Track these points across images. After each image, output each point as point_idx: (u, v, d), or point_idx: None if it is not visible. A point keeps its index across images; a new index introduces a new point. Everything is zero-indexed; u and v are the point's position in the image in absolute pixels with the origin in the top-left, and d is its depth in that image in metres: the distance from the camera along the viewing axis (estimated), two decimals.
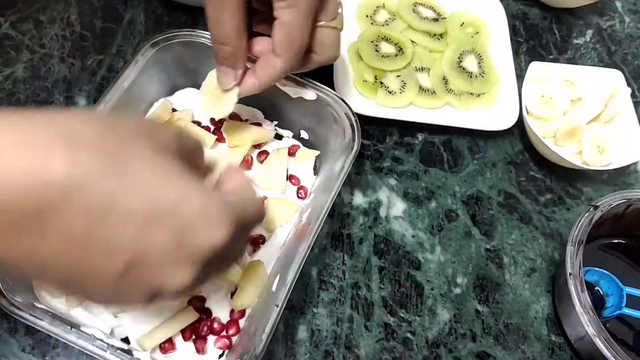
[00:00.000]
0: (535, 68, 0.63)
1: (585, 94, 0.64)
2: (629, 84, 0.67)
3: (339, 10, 0.44)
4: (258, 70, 0.45)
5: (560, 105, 0.61)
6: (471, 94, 0.63)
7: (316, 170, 0.54)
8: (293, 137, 0.56)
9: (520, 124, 0.62)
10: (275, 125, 0.56)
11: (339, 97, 0.51)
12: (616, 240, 0.58)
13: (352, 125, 0.50)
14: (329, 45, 0.46)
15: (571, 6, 0.75)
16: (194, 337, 0.45)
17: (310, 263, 0.52)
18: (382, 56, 0.63)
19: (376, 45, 0.63)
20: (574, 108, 0.63)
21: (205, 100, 0.49)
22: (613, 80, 0.64)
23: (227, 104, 0.47)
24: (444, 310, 0.52)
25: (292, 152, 0.54)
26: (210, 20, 0.42)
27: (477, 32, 0.68)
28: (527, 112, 0.61)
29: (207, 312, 0.46)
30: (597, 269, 0.53)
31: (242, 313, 0.46)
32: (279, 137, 0.56)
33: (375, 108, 0.60)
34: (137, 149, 0.28)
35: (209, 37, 0.51)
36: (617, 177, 0.64)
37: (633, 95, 0.65)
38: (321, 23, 0.44)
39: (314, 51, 0.45)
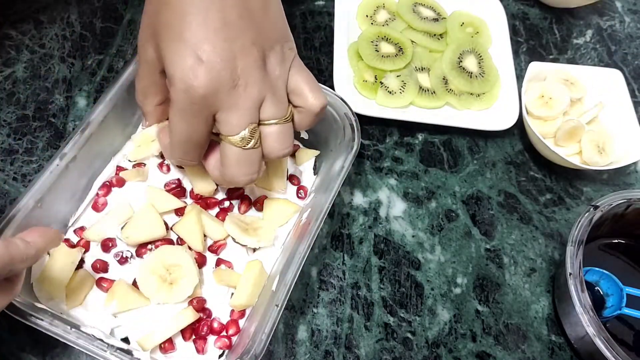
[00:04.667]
0: (535, 68, 0.63)
1: (585, 94, 0.64)
2: (628, 84, 0.67)
3: (244, 133, 0.39)
4: (164, 147, 0.46)
5: (560, 105, 0.61)
6: (471, 94, 0.63)
7: (316, 170, 0.54)
8: None
9: (520, 124, 0.62)
10: None
11: (339, 97, 0.51)
12: (616, 240, 0.58)
13: (352, 125, 0.50)
14: (227, 160, 0.41)
15: (571, 6, 0.75)
16: (194, 337, 0.44)
17: (310, 263, 0.52)
18: (382, 56, 0.63)
19: (376, 45, 0.64)
20: (574, 108, 0.63)
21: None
22: (613, 80, 0.64)
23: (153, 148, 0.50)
24: (444, 310, 0.52)
25: (292, 152, 0.54)
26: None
27: (477, 32, 0.68)
28: (527, 112, 0.61)
29: (207, 312, 0.46)
30: (597, 269, 0.53)
31: (242, 313, 0.46)
32: None
33: (375, 108, 0.60)
34: None
35: None
36: (617, 177, 0.64)
37: (633, 95, 0.65)
38: (218, 134, 0.40)
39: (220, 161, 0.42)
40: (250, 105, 0.39)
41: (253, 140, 0.40)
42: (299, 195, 0.52)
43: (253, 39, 0.39)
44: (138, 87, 0.45)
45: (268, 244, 0.48)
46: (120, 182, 0.49)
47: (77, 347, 0.38)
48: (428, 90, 0.63)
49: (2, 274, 0.33)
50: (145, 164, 0.50)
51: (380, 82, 0.62)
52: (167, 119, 0.49)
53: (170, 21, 0.38)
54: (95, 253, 0.46)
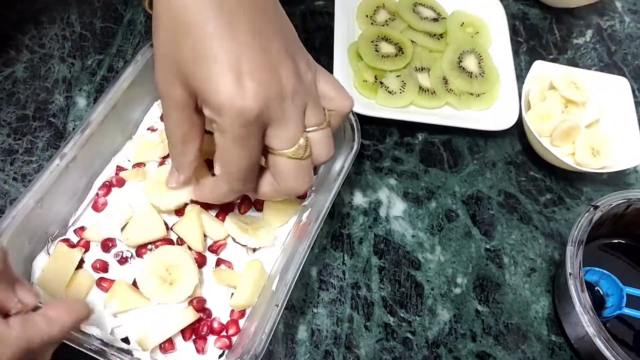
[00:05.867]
0: (539, 67, 0.63)
1: (590, 98, 0.63)
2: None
3: (300, 141, 0.38)
4: (202, 185, 0.44)
5: (557, 105, 0.61)
6: (471, 94, 0.63)
7: (316, 170, 0.54)
8: None
9: (520, 124, 0.62)
10: None
11: None
12: (616, 240, 0.58)
13: (352, 125, 0.50)
14: (285, 175, 0.40)
15: (571, 6, 0.75)
16: (194, 337, 0.44)
17: (310, 263, 0.52)
18: (382, 56, 0.63)
19: (376, 45, 0.64)
20: (575, 110, 0.63)
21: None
22: (618, 87, 0.64)
23: (172, 200, 0.46)
24: (444, 310, 0.52)
25: None
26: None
27: (477, 32, 0.68)
28: (527, 112, 0.61)
29: (207, 312, 0.46)
30: (597, 269, 0.53)
31: (242, 313, 0.46)
32: None
33: (375, 108, 0.60)
34: None
35: None
36: (617, 177, 0.64)
37: (633, 95, 0.65)
38: (271, 150, 0.39)
39: (273, 177, 0.41)
40: (300, 115, 0.38)
41: (308, 149, 0.39)
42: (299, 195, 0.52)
43: (283, 45, 0.36)
44: (176, 137, 0.40)
45: (268, 244, 0.48)
46: (120, 182, 0.49)
47: (77, 347, 0.38)
48: (428, 90, 0.63)
49: None
50: (145, 164, 0.50)
51: (380, 82, 0.62)
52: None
53: (195, 46, 0.34)
54: (95, 253, 0.46)
